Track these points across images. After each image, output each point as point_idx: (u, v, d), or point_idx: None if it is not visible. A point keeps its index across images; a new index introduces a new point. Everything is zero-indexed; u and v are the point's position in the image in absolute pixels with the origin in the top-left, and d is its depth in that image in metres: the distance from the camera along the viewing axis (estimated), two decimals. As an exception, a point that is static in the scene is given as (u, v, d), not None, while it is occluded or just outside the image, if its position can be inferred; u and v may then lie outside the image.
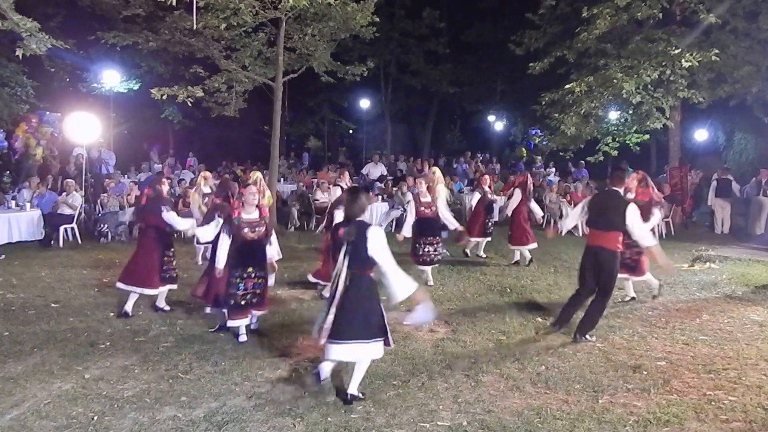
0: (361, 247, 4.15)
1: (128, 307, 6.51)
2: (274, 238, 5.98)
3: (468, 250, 10.28)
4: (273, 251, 5.91)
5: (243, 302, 5.60)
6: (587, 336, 5.83)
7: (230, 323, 5.65)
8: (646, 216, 6.63)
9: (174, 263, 6.71)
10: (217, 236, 5.81)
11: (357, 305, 4.19)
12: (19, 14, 9.05)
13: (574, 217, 6.77)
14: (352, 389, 4.39)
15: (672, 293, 7.82)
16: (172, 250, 6.72)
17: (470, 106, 27.95)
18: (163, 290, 6.66)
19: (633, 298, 7.35)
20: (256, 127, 25.34)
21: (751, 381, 4.81)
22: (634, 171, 7.89)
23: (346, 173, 9.06)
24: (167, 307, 6.70)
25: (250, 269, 5.62)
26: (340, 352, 4.23)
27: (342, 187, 8.82)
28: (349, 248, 4.17)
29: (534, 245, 9.58)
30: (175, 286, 6.74)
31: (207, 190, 9.24)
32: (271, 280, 6.15)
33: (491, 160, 22.78)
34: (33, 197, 11.43)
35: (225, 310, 5.71)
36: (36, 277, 8.36)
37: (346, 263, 4.18)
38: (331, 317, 4.16)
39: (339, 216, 6.17)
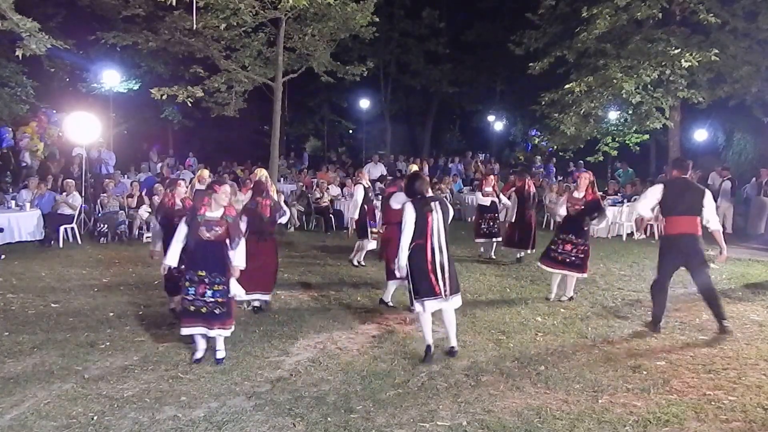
0: (446, 213, 5.24)
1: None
2: (242, 244, 5.30)
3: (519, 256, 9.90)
4: (238, 258, 5.24)
5: (192, 308, 5.07)
6: (723, 322, 6.05)
7: (182, 330, 5.17)
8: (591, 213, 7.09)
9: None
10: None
11: (453, 263, 5.29)
12: (19, 14, 9.07)
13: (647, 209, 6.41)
14: (454, 342, 5.38)
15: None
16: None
17: (470, 106, 27.92)
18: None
19: (571, 298, 7.24)
20: (256, 127, 25.32)
21: (750, 381, 4.81)
22: (587, 170, 7.95)
23: (365, 172, 9.23)
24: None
25: (201, 272, 5.09)
26: (458, 300, 5.30)
27: (364, 186, 8.97)
28: (438, 217, 5.15)
29: (522, 250, 9.59)
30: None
31: (201, 188, 9.17)
32: (236, 290, 5.32)
33: (490, 160, 22.78)
34: (33, 197, 11.43)
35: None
36: (36, 277, 8.37)
37: (440, 230, 5.15)
38: (447, 275, 5.12)
39: (396, 205, 7.07)
